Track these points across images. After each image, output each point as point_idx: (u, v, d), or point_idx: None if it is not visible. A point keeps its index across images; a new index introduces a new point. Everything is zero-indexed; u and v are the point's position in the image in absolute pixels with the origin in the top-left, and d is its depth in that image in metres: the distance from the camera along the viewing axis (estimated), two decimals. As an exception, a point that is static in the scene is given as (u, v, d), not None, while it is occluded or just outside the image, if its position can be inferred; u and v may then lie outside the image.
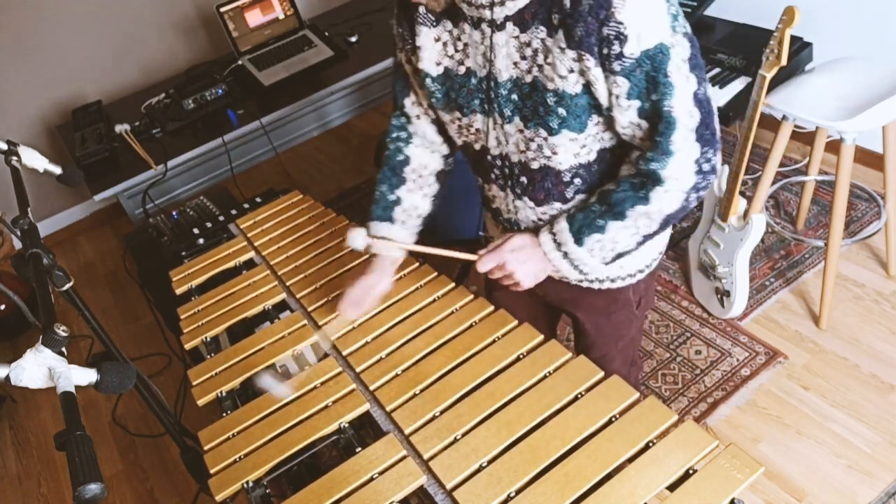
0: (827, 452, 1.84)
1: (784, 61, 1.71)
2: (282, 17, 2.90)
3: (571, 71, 1.00)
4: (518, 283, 1.18)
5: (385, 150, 1.32)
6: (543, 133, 1.08)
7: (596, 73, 0.98)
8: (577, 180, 1.13)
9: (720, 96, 2.10)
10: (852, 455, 1.82)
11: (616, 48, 0.95)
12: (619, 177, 1.11)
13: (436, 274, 1.42)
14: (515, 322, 1.26)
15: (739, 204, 2.01)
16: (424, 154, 1.31)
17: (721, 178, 2.04)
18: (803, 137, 2.76)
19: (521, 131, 1.11)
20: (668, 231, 1.25)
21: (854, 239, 2.37)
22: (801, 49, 2.11)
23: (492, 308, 1.30)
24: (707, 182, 1.06)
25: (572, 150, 1.09)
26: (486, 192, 1.28)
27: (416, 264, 1.46)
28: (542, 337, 1.21)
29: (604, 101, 1.03)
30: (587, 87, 1.01)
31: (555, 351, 1.18)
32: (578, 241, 1.12)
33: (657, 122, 1.01)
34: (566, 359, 1.16)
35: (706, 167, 1.04)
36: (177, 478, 2.27)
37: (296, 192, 1.87)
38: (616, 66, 0.96)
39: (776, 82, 1.97)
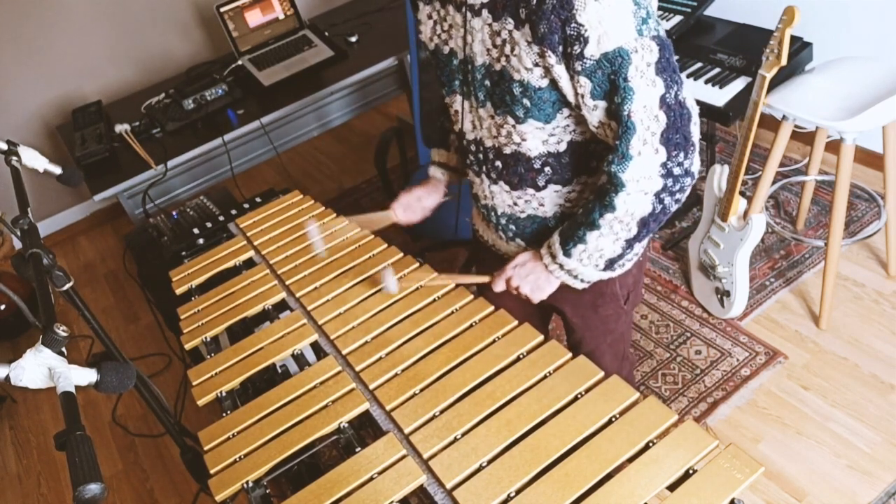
0: (827, 452, 1.84)
1: (784, 61, 1.71)
2: (282, 17, 2.90)
3: (536, 65, 1.02)
4: (528, 297, 1.23)
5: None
6: (511, 121, 1.11)
7: (559, 71, 1.00)
8: (548, 169, 1.16)
9: (720, 96, 2.10)
10: (852, 455, 1.82)
11: (577, 48, 0.96)
12: (597, 186, 1.13)
13: (436, 274, 1.42)
14: (515, 322, 1.26)
15: (739, 204, 2.01)
16: None
17: (721, 178, 2.04)
18: (803, 137, 2.76)
19: (492, 117, 1.14)
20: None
21: (854, 239, 2.37)
22: (801, 49, 2.11)
23: (492, 308, 1.30)
24: (681, 185, 1.06)
25: (540, 137, 1.11)
26: (469, 178, 1.34)
27: (416, 265, 1.46)
28: (542, 337, 1.21)
29: (571, 98, 1.04)
30: (553, 83, 1.03)
31: (555, 351, 1.18)
32: (567, 252, 1.15)
33: (618, 125, 1.01)
34: (566, 359, 1.16)
35: (677, 171, 1.04)
36: (177, 478, 2.27)
37: (296, 192, 1.87)
38: (577, 66, 0.98)
39: (776, 82, 1.97)
